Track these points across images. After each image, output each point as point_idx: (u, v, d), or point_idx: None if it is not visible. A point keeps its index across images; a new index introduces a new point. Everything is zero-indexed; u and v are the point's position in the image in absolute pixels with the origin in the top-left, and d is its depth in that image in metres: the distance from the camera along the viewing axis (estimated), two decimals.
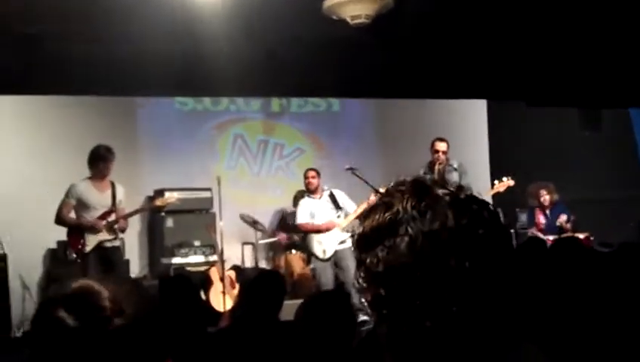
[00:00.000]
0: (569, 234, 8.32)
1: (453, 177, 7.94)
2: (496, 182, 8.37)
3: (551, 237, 8.32)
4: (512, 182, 8.19)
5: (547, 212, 8.89)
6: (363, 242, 1.06)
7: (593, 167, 9.99)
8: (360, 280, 1.07)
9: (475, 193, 1.09)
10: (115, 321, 1.14)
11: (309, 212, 7.92)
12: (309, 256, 8.79)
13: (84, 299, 1.15)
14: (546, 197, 8.83)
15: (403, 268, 1.00)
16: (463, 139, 10.14)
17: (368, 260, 1.04)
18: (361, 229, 1.08)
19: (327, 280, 7.64)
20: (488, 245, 1.02)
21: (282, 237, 9.26)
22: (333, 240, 7.74)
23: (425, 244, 1.00)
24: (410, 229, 1.01)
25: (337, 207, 7.90)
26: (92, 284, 1.18)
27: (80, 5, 5.79)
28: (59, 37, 6.42)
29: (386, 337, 1.04)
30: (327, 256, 7.72)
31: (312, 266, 8.19)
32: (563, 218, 8.65)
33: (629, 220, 9.53)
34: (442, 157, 7.98)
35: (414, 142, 9.56)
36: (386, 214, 1.03)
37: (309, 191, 8.01)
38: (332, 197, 7.95)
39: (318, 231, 7.79)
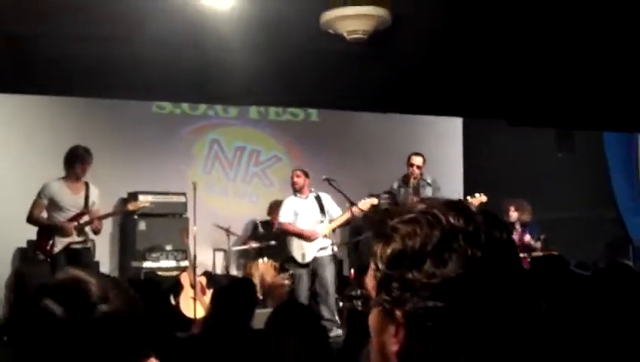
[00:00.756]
0: (538, 252, 8.39)
1: (427, 192, 8.02)
2: (468, 198, 8.41)
3: (521, 255, 8.40)
4: (484, 198, 8.22)
5: (518, 228, 8.94)
6: (405, 257, 1.06)
7: (566, 186, 10.11)
8: (393, 293, 1.06)
9: None
10: (101, 307, 1.15)
11: (293, 210, 7.77)
12: (283, 262, 8.79)
13: (72, 286, 1.16)
14: (512, 213, 8.86)
15: (461, 280, 1.02)
16: (438, 154, 10.21)
17: (412, 274, 1.04)
18: (398, 243, 1.07)
19: (303, 286, 7.52)
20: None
21: (253, 245, 9.21)
22: (314, 246, 7.61)
23: (481, 257, 1.03)
24: (465, 244, 1.03)
25: (322, 210, 7.76)
26: (79, 273, 1.20)
27: (67, 4, 5.74)
28: (37, 36, 6.37)
29: (428, 349, 1.03)
30: (306, 260, 7.59)
31: (289, 271, 8.02)
32: (527, 238, 8.70)
33: (599, 239, 9.65)
34: (417, 171, 8.07)
35: (391, 155, 9.61)
36: (435, 230, 1.05)
37: (295, 190, 7.88)
38: (318, 199, 7.81)
39: (300, 235, 7.65)
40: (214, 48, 6.51)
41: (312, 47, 6.62)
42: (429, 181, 8.10)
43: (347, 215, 7.67)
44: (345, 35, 5.85)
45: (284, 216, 7.80)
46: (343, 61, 7.02)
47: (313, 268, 7.59)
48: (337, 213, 7.76)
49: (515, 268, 1.07)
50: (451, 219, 1.05)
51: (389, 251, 1.07)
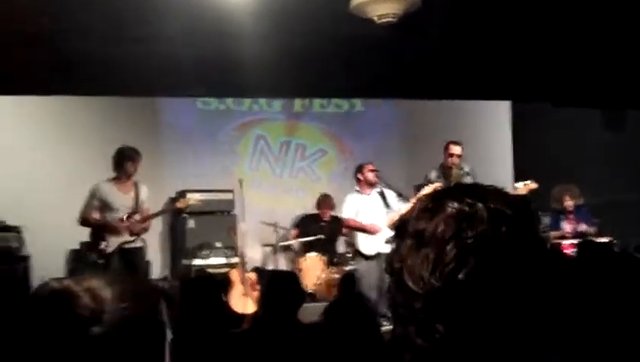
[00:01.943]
0: (592, 238, 8.23)
1: (466, 181, 7.87)
2: (518, 184, 8.28)
3: (575, 241, 8.24)
4: (534, 185, 8.07)
5: (571, 216, 8.80)
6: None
7: (616, 169, 9.87)
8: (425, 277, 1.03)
9: None
10: (92, 329, 1.06)
11: (354, 209, 7.57)
12: (331, 256, 8.78)
13: (60, 302, 1.08)
14: (569, 202, 8.73)
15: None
16: (485, 140, 10.08)
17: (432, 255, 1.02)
18: (417, 228, 1.05)
19: (370, 281, 7.14)
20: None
21: (297, 239, 9.18)
22: (379, 240, 7.27)
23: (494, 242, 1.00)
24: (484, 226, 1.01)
25: (387, 205, 7.46)
26: (72, 286, 1.10)
27: (103, 4, 5.82)
28: (81, 36, 6.46)
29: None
30: (374, 252, 7.31)
31: (354, 266, 7.74)
32: (583, 226, 8.55)
33: None
34: (456, 160, 7.89)
35: (438, 145, 9.49)
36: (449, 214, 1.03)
37: (364, 184, 7.58)
38: (382, 195, 7.55)
39: (362, 230, 7.44)
40: (244, 40, 6.51)
41: (342, 32, 6.56)
42: (467, 170, 7.93)
43: (408, 206, 7.47)
44: (375, 18, 5.78)
45: (346, 213, 7.62)
46: (376, 46, 6.95)
47: (379, 262, 7.21)
48: (400, 207, 7.26)
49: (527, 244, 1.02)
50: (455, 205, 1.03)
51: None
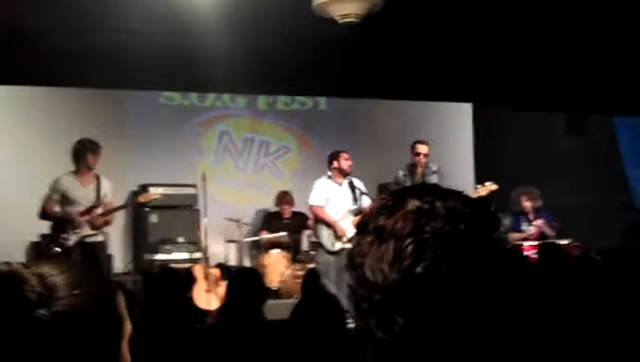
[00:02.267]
0: (552, 240, 8.35)
1: (433, 180, 7.92)
2: (479, 186, 8.37)
3: (535, 243, 8.36)
4: (495, 187, 8.16)
5: (530, 217, 8.91)
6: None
7: (578, 172, 10.05)
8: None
9: None
10: (38, 311, 1.04)
11: (325, 196, 7.45)
12: (294, 253, 8.79)
13: (7, 284, 1.05)
14: (526, 204, 8.82)
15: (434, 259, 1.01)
16: (447, 142, 10.18)
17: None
18: (378, 224, 1.07)
19: (330, 274, 7.10)
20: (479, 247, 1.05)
21: (265, 236, 9.21)
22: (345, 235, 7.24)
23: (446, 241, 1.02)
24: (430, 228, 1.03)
25: (354, 199, 7.39)
26: (20, 269, 1.07)
27: None
28: (46, 28, 6.38)
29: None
30: (336, 248, 7.29)
31: (317, 258, 7.64)
32: (538, 222, 8.65)
33: (613, 226, 9.58)
34: (423, 160, 7.93)
35: (400, 144, 9.54)
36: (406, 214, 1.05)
37: (339, 172, 7.49)
38: (351, 185, 7.46)
39: (331, 226, 7.34)
40: (208, 35, 6.50)
41: (306, 32, 6.58)
42: (434, 169, 7.99)
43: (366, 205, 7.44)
44: (337, 18, 5.80)
45: (315, 199, 7.47)
46: (339, 47, 6.98)
47: (339, 258, 7.19)
48: (367, 202, 7.35)
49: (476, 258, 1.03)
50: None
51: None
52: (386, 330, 1.02)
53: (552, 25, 6.78)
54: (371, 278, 1.03)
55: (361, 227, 1.09)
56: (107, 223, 6.96)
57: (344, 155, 7.58)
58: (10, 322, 1.03)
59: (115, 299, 1.15)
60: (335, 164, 7.54)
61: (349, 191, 7.47)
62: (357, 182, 7.56)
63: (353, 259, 1.08)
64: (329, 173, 7.59)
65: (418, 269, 1.00)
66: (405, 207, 1.05)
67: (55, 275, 1.09)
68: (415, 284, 1.00)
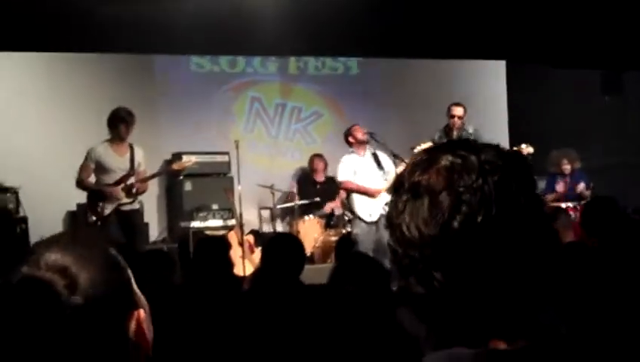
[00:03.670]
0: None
1: None
2: (514, 148, 8.28)
3: (570, 205, 8.29)
4: (531, 149, 8.09)
5: (567, 179, 8.83)
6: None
7: (614, 132, 9.88)
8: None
9: None
10: (71, 301, 1.05)
11: (352, 169, 7.48)
12: (328, 218, 8.79)
13: (37, 289, 1.05)
14: (566, 166, 8.79)
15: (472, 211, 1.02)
16: (481, 102, 10.05)
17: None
18: (412, 181, 1.07)
19: (368, 245, 7.05)
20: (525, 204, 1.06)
21: (298, 202, 9.16)
22: (379, 203, 7.23)
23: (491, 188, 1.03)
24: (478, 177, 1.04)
25: (380, 167, 7.45)
26: (39, 273, 1.07)
27: None
28: None
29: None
30: (374, 218, 7.24)
31: (354, 230, 7.58)
32: (581, 186, 8.61)
33: None
34: (458, 122, 7.90)
35: (432, 106, 9.48)
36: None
37: (353, 145, 7.55)
38: (375, 156, 7.52)
39: (364, 193, 7.35)
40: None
41: None
42: (470, 131, 7.95)
43: (400, 168, 7.45)
44: None
45: (344, 175, 7.53)
46: (370, 5, 6.89)
47: (378, 226, 7.16)
48: (392, 169, 7.40)
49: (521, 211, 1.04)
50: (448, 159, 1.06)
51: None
52: (426, 286, 1.03)
53: None
54: (408, 235, 1.05)
55: (397, 187, 1.10)
56: (143, 191, 7.02)
57: (355, 127, 7.62)
58: (46, 322, 1.04)
59: (126, 277, 1.16)
60: (351, 138, 7.58)
61: (372, 161, 7.51)
62: (380, 154, 7.57)
63: (391, 219, 1.09)
64: (351, 149, 7.62)
65: (454, 224, 1.01)
66: (439, 163, 1.06)
67: (73, 266, 1.08)
68: (451, 239, 1.01)
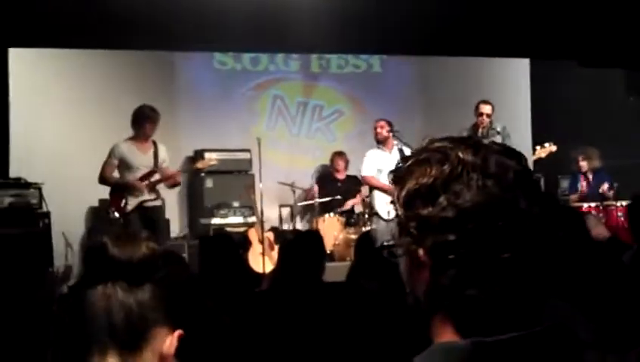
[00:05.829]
0: (610, 201, 8.20)
1: (498, 141, 7.76)
2: (537, 147, 8.22)
3: (593, 205, 8.20)
4: (554, 148, 8.02)
5: (589, 178, 8.75)
6: (419, 195, 1.10)
7: (637, 133, 9.77)
8: (412, 233, 1.09)
9: None
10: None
11: (376, 166, 7.48)
12: (348, 216, 8.78)
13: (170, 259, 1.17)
14: (582, 163, 8.70)
15: (475, 210, 1.03)
16: (505, 100, 9.97)
17: (427, 211, 1.07)
18: (412, 184, 1.12)
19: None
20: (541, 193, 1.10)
21: (319, 200, 9.14)
22: None
23: (493, 186, 1.05)
24: (475, 175, 1.05)
25: None
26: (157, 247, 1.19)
27: None
28: None
29: (452, 281, 1.04)
30: (392, 216, 7.31)
31: (373, 226, 7.65)
32: (605, 186, 8.51)
33: None
34: (486, 120, 7.78)
35: (456, 104, 9.43)
36: (445, 166, 1.08)
37: (378, 141, 7.61)
38: (401, 153, 7.31)
39: (385, 192, 7.31)
40: None
41: None
42: (498, 129, 7.83)
43: None
44: None
45: (367, 170, 7.54)
46: (394, 2, 6.86)
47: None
48: None
49: (533, 195, 1.06)
50: (460, 154, 1.08)
51: (404, 193, 1.14)
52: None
53: None
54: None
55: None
56: (176, 184, 7.22)
57: (379, 123, 7.65)
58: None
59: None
60: (375, 133, 7.63)
61: (398, 158, 7.40)
62: (407, 151, 7.50)
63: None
64: (378, 145, 7.65)
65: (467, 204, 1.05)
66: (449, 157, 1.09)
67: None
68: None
